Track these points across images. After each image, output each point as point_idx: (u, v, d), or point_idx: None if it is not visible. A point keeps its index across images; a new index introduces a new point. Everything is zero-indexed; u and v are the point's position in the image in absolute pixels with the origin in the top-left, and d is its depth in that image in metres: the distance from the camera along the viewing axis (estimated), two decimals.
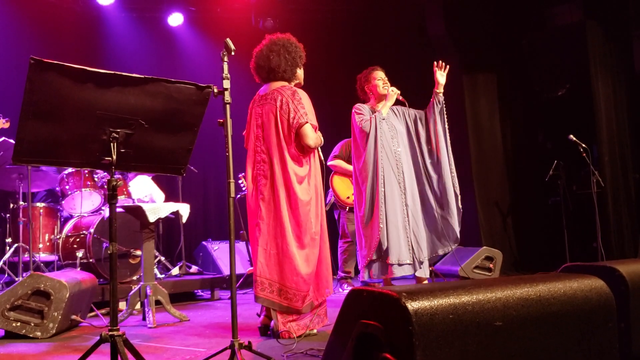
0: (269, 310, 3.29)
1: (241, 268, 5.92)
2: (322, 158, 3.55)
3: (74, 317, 3.63)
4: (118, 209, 3.98)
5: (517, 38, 6.91)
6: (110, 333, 2.16)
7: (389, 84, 4.27)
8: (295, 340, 3.04)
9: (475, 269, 5.51)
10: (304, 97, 3.33)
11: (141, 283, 3.96)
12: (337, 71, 6.83)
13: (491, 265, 5.59)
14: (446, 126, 4.22)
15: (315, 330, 3.32)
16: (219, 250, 6.22)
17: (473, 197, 6.55)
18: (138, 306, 4.09)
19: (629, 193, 6.11)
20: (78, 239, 4.89)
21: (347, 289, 5.34)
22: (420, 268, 4.04)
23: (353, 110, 4.22)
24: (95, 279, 4.20)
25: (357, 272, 4.70)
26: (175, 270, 5.52)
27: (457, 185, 4.19)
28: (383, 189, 4.00)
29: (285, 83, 3.41)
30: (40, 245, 5.11)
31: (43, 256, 5.11)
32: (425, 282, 4.08)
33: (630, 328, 1.81)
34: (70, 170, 5.21)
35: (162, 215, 4.17)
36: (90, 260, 4.74)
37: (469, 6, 6.66)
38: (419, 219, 4.12)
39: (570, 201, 6.09)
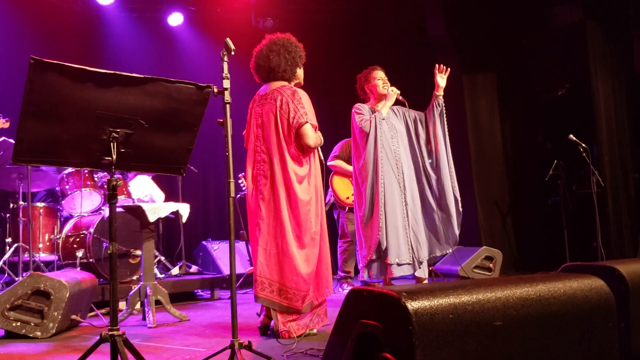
0: (269, 310, 3.29)
1: (241, 268, 5.93)
2: (322, 158, 3.55)
3: (74, 317, 3.63)
4: (118, 209, 3.98)
5: (517, 38, 6.91)
6: (110, 333, 2.16)
7: (388, 84, 4.28)
8: (295, 340, 3.04)
9: (475, 268, 5.52)
10: (303, 96, 3.33)
11: (141, 283, 3.96)
12: (337, 71, 6.84)
13: (491, 265, 5.59)
14: (446, 129, 4.21)
15: (315, 330, 3.32)
16: (218, 250, 6.22)
17: (473, 197, 6.55)
18: (138, 306, 4.09)
19: (629, 193, 6.11)
20: (78, 239, 4.89)
21: (347, 288, 5.34)
22: (420, 268, 4.04)
23: (353, 110, 4.22)
24: (95, 278, 4.20)
25: (356, 272, 4.70)
26: (175, 270, 5.52)
27: (457, 189, 4.18)
28: (383, 189, 4.01)
29: (285, 83, 3.41)
30: (40, 245, 5.11)
31: (43, 256, 5.11)
32: (425, 282, 4.08)
33: (630, 328, 1.81)
34: (70, 170, 5.21)
35: (162, 215, 4.17)
36: (90, 260, 4.74)
37: (469, 6, 6.66)
38: (419, 219, 4.12)
39: (570, 201, 6.10)
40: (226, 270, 5.72)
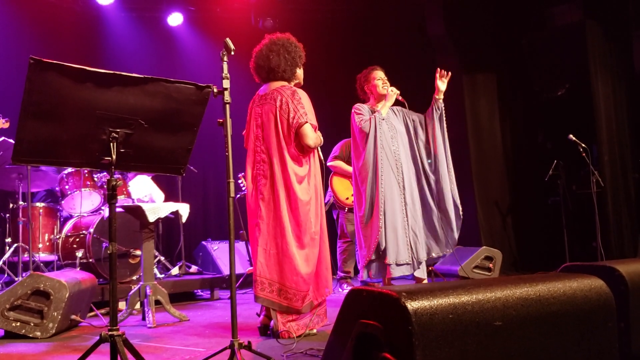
0: (268, 310, 3.29)
1: (241, 268, 5.93)
2: (322, 158, 3.55)
3: (73, 317, 3.63)
4: (118, 209, 3.97)
5: (517, 38, 6.91)
6: (110, 333, 2.16)
7: (388, 84, 4.28)
8: (295, 340, 3.04)
9: (475, 268, 5.51)
10: (303, 97, 3.33)
11: (141, 283, 3.96)
12: (337, 71, 6.83)
13: (491, 265, 5.59)
14: (445, 133, 4.21)
15: (315, 330, 3.32)
16: (218, 250, 6.22)
17: (473, 197, 6.55)
18: (138, 306, 4.09)
19: (629, 193, 6.11)
20: (78, 239, 4.89)
21: (346, 288, 5.34)
22: (419, 268, 4.04)
23: (353, 110, 4.22)
24: (94, 278, 4.20)
25: (356, 272, 4.70)
26: (175, 270, 5.52)
27: (457, 195, 4.17)
28: (382, 189, 4.01)
29: (285, 83, 3.41)
30: (40, 245, 5.11)
31: (43, 256, 5.11)
32: (425, 282, 4.08)
33: (630, 328, 1.81)
34: (69, 170, 5.21)
35: (162, 215, 4.17)
36: (90, 260, 4.74)
37: (469, 6, 6.66)
38: (419, 219, 4.12)
39: (570, 201, 6.09)
40: (226, 270, 5.72)
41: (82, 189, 5.16)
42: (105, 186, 4.81)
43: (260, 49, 3.43)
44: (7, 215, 5.19)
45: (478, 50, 6.81)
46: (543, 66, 6.71)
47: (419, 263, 4.03)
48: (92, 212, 5.26)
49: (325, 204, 5.33)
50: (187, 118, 2.38)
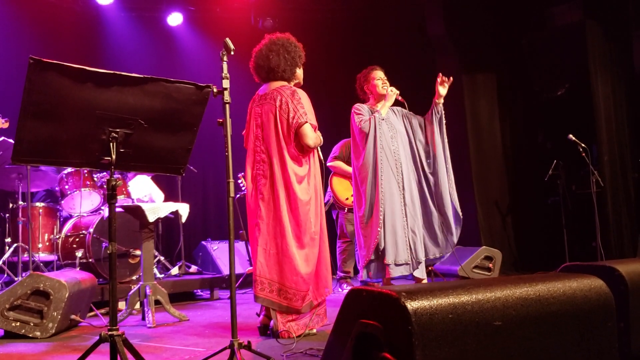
0: (268, 310, 3.29)
1: (240, 268, 5.93)
2: (322, 158, 3.55)
3: (73, 316, 3.62)
4: (117, 209, 3.97)
5: (517, 38, 6.91)
6: (110, 333, 2.16)
7: (388, 84, 4.27)
8: (294, 339, 3.04)
9: (475, 268, 5.52)
10: (303, 96, 3.33)
11: (140, 283, 3.96)
12: (337, 71, 6.83)
13: (490, 265, 5.59)
14: (445, 138, 4.20)
15: (314, 330, 3.32)
16: (218, 250, 6.22)
17: (473, 197, 6.55)
18: (137, 306, 4.09)
19: (628, 193, 6.11)
20: (77, 239, 4.89)
21: (346, 288, 5.34)
22: (418, 268, 4.04)
23: (352, 110, 4.22)
24: (94, 278, 4.20)
25: (356, 272, 4.70)
26: (174, 270, 5.52)
27: (456, 200, 4.17)
28: (382, 189, 4.01)
29: (285, 83, 3.40)
30: (40, 245, 5.11)
31: (42, 256, 5.11)
32: (424, 281, 4.08)
33: (630, 328, 1.81)
34: (69, 170, 5.21)
35: (162, 215, 4.16)
36: (90, 260, 4.74)
37: (469, 6, 6.66)
38: (418, 219, 4.12)
39: (570, 201, 6.10)
40: (226, 270, 5.72)
41: (82, 189, 5.16)
42: (105, 186, 4.82)
43: (260, 49, 3.43)
44: (7, 215, 5.19)
45: (478, 50, 6.82)
46: (543, 66, 6.71)
47: (418, 263, 4.03)
48: (91, 212, 5.26)
49: (325, 204, 5.33)
50: (186, 118, 2.38)
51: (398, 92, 4.20)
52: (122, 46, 6.99)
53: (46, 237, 5.17)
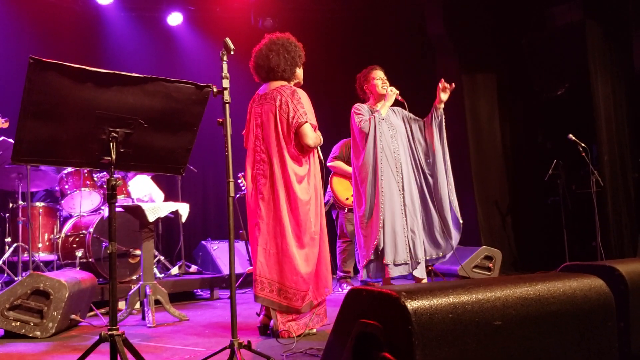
0: (268, 310, 3.29)
1: (240, 267, 5.93)
2: (322, 158, 3.55)
3: (73, 316, 3.63)
4: (117, 209, 3.97)
5: (517, 38, 6.91)
6: (110, 332, 2.16)
7: (387, 84, 4.27)
8: (294, 339, 3.04)
9: (475, 268, 5.52)
10: (303, 96, 3.33)
11: (140, 282, 3.96)
12: (337, 71, 6.83)
13: (490, 265, 5.59)
14: (445, 142, 4.19)
15: (314, 330, 3.32)
16: (218, 250, 6.22)
17: (472, 197, 6.55)
18: (137, 306, 4.09)
19: (628, 192, 6.11)
20: (77, 239, 4.89)
21: (346, 288, 5.34)
22: (417, 268, 4.04)
23: (352, 110, 4.22)
24: (94, 278, 4.20)
25: (356, 271, 4.70)
26: (174, 270, 5.52)
27: (455, 203, 4.16)
28: (382, 189, 4.01)
29: (285, 82, 3.40)
30: (40, 245, 5.11)
31: (42, 256, 5.11)
32: (424, 281, 4.08)
33: (630, 327, 1.81)
34: (69, 169, 5.21)
35: (162, 215, 4.17)
36: (90, 259, 4.74)
37: (469, 6, 6.66)
38: (418, 219, 4.11)
39: (570, 200, 6.10)
40: (226, 270, 5.72)
41: (82, 189, 5.16)
42: (105, 186, 4.82)
43: (260, 49, 3.43)
44: (7, 215, 5.19)
45: (478, 50, 6.82)
46: (543, 66, 6.71)
47: (417, 263, 4.03)
48: (91, 212, 5.26)
49: (325, 204, 5.33)
50: (186, 118, 2.38)
51: (398, 92, 4.20)
52: (122, 46, 6.99)
53: (46, 236, 5.17)
